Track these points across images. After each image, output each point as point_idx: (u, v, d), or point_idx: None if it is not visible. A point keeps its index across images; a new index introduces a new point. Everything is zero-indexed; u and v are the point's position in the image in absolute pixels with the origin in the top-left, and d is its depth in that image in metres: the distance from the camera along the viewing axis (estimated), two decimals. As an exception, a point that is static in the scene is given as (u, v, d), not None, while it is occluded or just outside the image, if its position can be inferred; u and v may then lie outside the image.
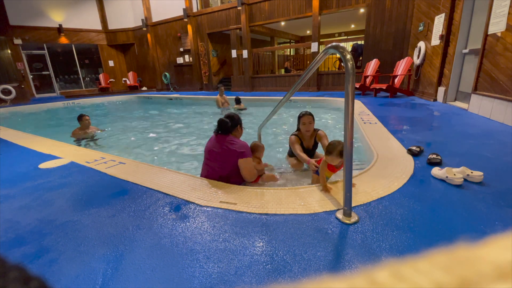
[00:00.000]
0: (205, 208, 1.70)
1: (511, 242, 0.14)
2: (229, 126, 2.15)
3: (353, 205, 1.56)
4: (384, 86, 6.61)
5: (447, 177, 1.85)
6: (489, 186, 1.79)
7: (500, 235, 0.15)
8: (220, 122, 2.16)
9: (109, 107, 10.18)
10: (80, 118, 4.67)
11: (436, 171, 1.99)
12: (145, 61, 14.45)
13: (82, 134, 4.76)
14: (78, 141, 4.59)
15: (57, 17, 12.62)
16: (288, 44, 17.22)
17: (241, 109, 7.05)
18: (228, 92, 11.25)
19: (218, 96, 7.34)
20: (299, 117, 2.63)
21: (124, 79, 15.04)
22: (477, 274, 0.12)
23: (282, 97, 2.56)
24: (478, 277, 0.12)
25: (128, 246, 1.36)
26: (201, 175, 2.27)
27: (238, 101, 7.08)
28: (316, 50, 9.14)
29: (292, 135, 2.68)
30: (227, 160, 2.11)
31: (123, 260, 1.25)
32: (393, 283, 0.13)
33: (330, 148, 1.90)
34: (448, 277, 0.13)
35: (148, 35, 13.26)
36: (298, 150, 2.53)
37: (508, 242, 0.14)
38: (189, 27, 11.79)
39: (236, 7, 10.39)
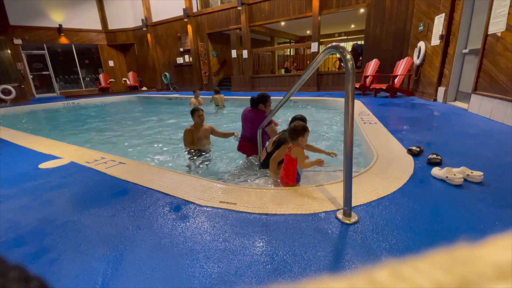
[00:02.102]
0: (205, 208, 1.70)
1: (511, 242, 0.14)
2: (254, 101, 3.11)
3: (353, 205, 1.56)
4: (384, 86, 6.61)
5: (447, 177, 1.85)
6: (489, 186, 1.79)
7: (500, 235, 0.15)
8: (250, 98, 3.14)
9: (109, 107, 10.18)
10: (193, 112, 3.46)
11: (436, 171, 1.99)
12: (145, 61, 14.45)
13: (196, 138, 3.47)
14: (191, 153, 3.41)
15: (57, 17, 12.62)
16: (288, 44, 17.21)
17: (219, 106, 7.30)
18: (228, 92, 11.25)
19: (193, 99, 7.49)
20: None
21: (124, 79, 15.04)
22: (477, 274, 0.12)
23: (282, 97, 2.55)
24: (478, 277, 0.12)
25: (128, 246, 1.36)
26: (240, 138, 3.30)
27: (216, 92, 7.33)
28: (316, 50, 9.14)
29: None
30: (255, 126, 2.96)
31: (123, 260, 1.25)
32: (393, 283, 0.13)
33: (300, 129, 1.96)
34: (448, 277, 0.13)
35: (148, 35, 13.27)
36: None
37: (508, 242, 0.14)
38: (189, 27, 11.79)
39: (236, 7, 10.39)
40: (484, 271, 0.12)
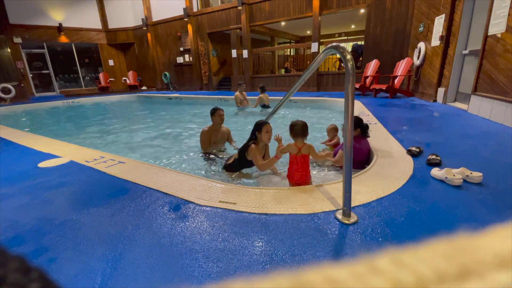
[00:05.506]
0: (204, 207, 1.70)
1: (511, 232, 0.14)
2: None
3: (352, 205, 1.56)
4: (384, 87, 6.61)
5: (446, 177, 1.86)
6: (488, 187, 1.79)
7: (500, 225, 0.15)
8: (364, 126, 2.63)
9: (108, 106, 10.18)
10: (214, 111, 3.18)
11: (435, 171, 1.99)
12: (145, 61, 14.44)
13: (213, 140, 3.23)
14: (207, 155, 3.16)
15: (57, 16, 12.60)
16: (288, 44, 17.21)
17: (265, 107, 6.44)
18: (228, 92, 11.24)
19: (237, 93, 6.81)
20: (261, 125, 2.48)
21: (124, 78, 15.02)
22: (478, 262, 0.12)
23: (282, 97, 2.56)
24: (478, 265, 0.12)
25: (127, 245, 1.35)
26: None
27: (263, 89, 6.55)
28: (316, 50, 9.14)
29: (251, 143, 2.50)
30: None
31: (122, 260, 1.25)
32: (393, 270, 0.13)
33: (298, 128, 2.05)
34: (449, 264, 0.13)
35: (148, 35, 13.25)
36: (260, 160, 2.47)
37: (508, 232, 0.14)
38: (189, 27, 11.79)
39: (236, 7, 10.39)
40: (484, 259, 0.13)
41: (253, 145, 2.49)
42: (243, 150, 2.56)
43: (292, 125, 2.09)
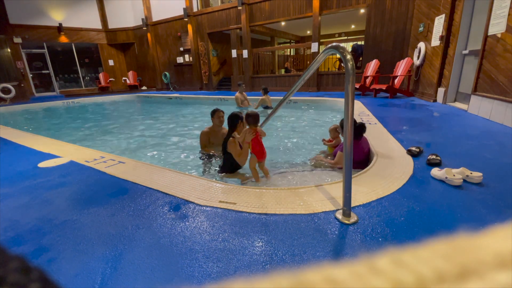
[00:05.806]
0: (204, 207, 1.70)
1: (511, 232, 0.14)
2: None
3: (352, 205, 1.56)
4: (384, 87, 6.61)
5: (446, 177, 1.86)
6: (488, 187, 1.79)
7: (500, 225, 0.15)
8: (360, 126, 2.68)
9: (108, 106, 10.18)
10: (213, 113, 3.20)
11: (435, 171, 1.99)
12: (145, 61, 14.44)
13: (212, 141, 3.24)
14: (207, 156, 3.18)
15: (57, 16, 12.60)
16: (288, 44, 17.21)
17: (267, 107, 6.48)
18: (228, 92, 11.23)
19: (237, 94, 6.85)
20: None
21: (124, 78, 15.02)
22: (478, 262, 0.12)
23: (282, 97, 2.56)
24: (478, 265, 0.12)
25: (127, 245, 1.35)
26: None
27: (265, 91, 6.59)
28: (316, 50, 9.14)
29: (231, 137, 2.59)
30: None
31: (122, 260, 1.25)
32: (393, 270, 0.13)
33: (254, 118, 2.42)
34: (449, 264, 0.13)
35: (148, 35, 13.26)
36: (237, 152, 2.59)
37: (508, 232, 0.14)
38: (189, 27, 11.79)
39: (236, 7, 10.39)
40: (484, 259, 0.13)
41: (231, 138, 2.59)
42: (224, 144, 2.67)
43: (249, 116, 2.43)
